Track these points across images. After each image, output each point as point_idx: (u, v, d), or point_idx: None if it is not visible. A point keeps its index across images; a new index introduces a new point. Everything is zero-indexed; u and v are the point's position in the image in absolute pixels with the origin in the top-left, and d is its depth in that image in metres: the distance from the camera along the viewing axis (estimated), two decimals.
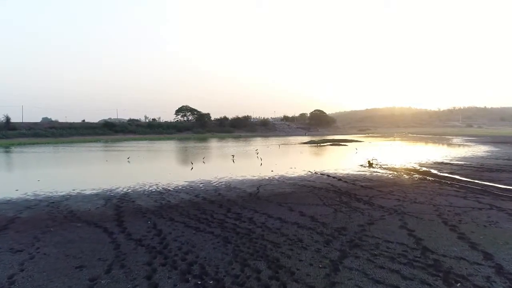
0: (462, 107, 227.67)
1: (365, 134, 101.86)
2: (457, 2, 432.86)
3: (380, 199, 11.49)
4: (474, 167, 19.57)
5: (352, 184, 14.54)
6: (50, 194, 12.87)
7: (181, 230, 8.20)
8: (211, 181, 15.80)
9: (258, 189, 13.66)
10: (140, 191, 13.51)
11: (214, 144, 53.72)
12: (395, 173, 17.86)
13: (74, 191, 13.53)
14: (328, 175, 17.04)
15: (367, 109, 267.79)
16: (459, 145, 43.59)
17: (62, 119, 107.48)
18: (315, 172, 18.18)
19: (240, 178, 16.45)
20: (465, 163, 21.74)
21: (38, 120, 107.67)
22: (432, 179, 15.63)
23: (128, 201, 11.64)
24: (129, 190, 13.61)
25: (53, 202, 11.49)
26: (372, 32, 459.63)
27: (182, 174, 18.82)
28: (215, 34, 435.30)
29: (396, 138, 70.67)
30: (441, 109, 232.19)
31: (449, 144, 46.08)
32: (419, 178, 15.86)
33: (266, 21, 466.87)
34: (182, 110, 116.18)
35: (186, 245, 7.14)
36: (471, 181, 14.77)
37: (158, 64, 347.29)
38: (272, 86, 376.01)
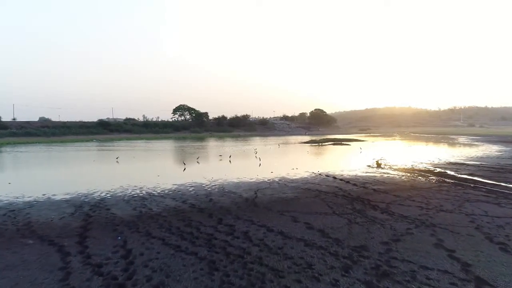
0: (463, 107, 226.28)
1: (366, 133, 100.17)
2: (457, 1, 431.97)
3: (399, 206, 9.74)
4: (493, 168, 17.82)
5: (363, 187, 12.78)
6: (14, 200, 11.07)
7: (156, 250, 6.43)
8: (203, 184, 14.02)
9: (255, 193, 11.89)
10: (120, 196, 11.72)
11: (211, 143, 51.90)
12: (408, 174, 16.10)
13: (43, 196, 11.73)
14: (334, 177, 15.28)
15: (367, 109, 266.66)
16: (466, 144, 41.88)
17: (59, 118, 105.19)
18: (320, 174, 16.41)
19: (236, 181, 14.67)
20: (481, 163, 19.99)
21: (36, 119, 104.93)
22: (452, 181, 13.89)
23: (102, 208, 9.85)
24: (108, 195, 11.82)
25: (13, 211, 9.70)
26: (371, 31, 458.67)
27: (173, 175, 17.04)
28: (213, 32, 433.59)
29: (398, 138, 69.00)
30: (442, 109, 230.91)
31: (456, 144, 44.38)
32: (437, 181, 14.12)
33: (266, 20, 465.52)
34: (179, 109, 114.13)
35: (159, 273, 5.37)
36: (497, 184, 13.03)
37: (157, 63, 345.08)
38: (271, 85, 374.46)
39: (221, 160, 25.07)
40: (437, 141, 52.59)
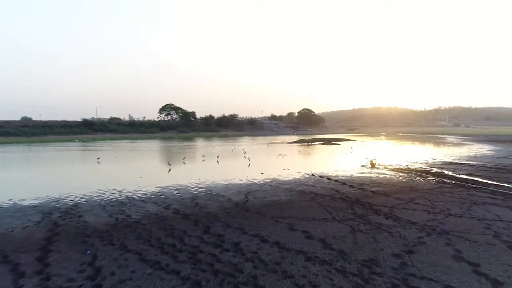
0: (447, 107, 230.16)
1: (355, 133, 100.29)
2: (442, 5, 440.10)
3: (404, 210, 8.92)
4: (491, 167, 17.28)
5: (361, 189, 11.96)
6: None
7: (131, 268, 5.41)
8: (188, 186, 12.98)
9: (246, 197, 10.93)
10: (96, 200, 10.59)
11: (198, 143, 50.64)
12: (405, 175, 15.38)
13: (10, 201, 10.52)
14: (329, 178, 14.44)
15: (354, 109, 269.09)
16: (457, 144, 41.74)
17: (40, 118, 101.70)
18: (313, 175, 15.55)
19: (225, 183, 13.67)
20: (477, 163, 19.47)
21: (18, 119, 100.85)
22: (452, 182, 13.20)
23: (74, 215, 8.73)
24: (82, 200, 10.67)
25: None
26: (358, 33, 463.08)
27: (156, 177, 15.91)
28: (200, 32, 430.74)
29: (387, 137, 68.99)
30: (427, 109, 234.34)
31: (446, 143, 44.26)
32: (436, 181, 13.41)
33: (254, 20, 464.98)
34: (166, 108, 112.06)
35: None
36: (500, 185, 12.37)
37: (143, 63, 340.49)
38: (259, 85, 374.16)
39: (204, 160, 23.92)
40: (426, 140, 52.52)
